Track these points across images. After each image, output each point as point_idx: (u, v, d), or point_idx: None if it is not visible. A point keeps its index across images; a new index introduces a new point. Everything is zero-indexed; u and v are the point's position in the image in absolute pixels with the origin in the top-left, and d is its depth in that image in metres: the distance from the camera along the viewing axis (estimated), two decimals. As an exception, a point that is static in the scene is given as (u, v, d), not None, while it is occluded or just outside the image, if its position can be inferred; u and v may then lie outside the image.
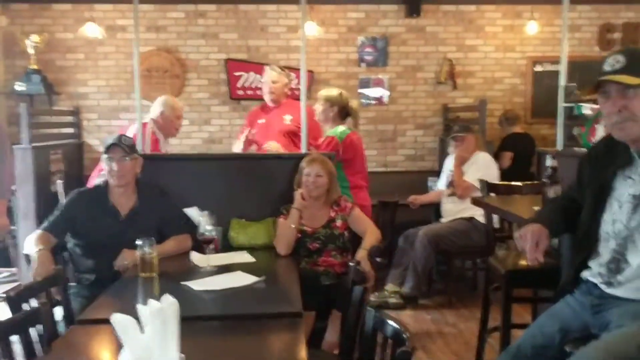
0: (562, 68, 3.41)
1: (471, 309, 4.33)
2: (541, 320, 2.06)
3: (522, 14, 6.07)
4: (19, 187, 4.74)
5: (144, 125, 4.01)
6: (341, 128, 3.94)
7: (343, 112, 3.98)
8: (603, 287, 1.90)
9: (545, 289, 2.80)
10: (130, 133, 3.88)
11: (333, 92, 4.04)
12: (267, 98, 4.27)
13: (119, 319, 1.40)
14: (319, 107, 3.98)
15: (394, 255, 4.64)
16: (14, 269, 5.06)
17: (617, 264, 1.87)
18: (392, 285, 4.47)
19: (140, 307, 1.42)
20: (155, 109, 4.29)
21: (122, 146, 2.91)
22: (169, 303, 1.42)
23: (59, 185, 4.93)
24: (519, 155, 5.57)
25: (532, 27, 5.94)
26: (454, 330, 4.04)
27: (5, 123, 5.81)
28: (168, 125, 4.27)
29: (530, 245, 1.92)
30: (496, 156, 5.67)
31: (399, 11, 6.06)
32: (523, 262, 2.89)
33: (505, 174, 5.09)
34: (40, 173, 4.84)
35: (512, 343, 2.13)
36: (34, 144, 4.82)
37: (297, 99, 3.96)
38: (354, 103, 4.09)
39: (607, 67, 1.83)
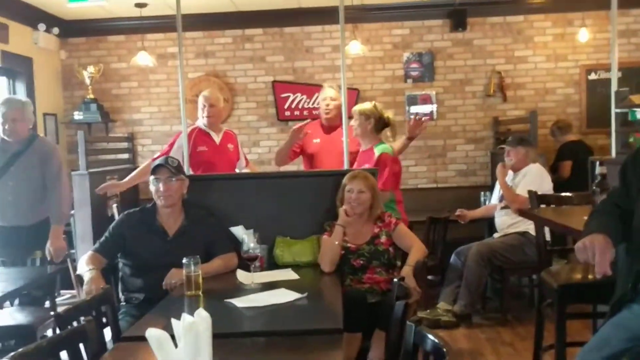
0: (614, 73, 3.29)
1: (528, 327, 4.16)
2: (605, 331, 1.95)
3: (572, 22, 5.92)
4: (77, 211, 4.95)
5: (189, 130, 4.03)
6: (386, 145, 3.84)
7: (380, 123, 3.83)
8: None
9: (602, 303, 2.66)
10: (176, 146, 4.01)
11: (366, 105, 3.90)
12: (324, 117, 4.14)
13: (153, 334, 1.42)
14: (354, 123, 3.83)
15: (446, 272, 4.53)
16: (74, 291, 5.24)
17: None
18: (444, 304, 4.35)
19: (174, 322, 1.43)
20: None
21: (168, 167, 2.98)
22: (202, 317, 1.42)
23: (114, 209, 5.11)
24: (578, 163, 5.36)
25: (583, 35, 5.77)
26: (510, 350, 3.89)
27: (66, 151, 6.09)
28: (205, 115, 4.11)
29: (598, 257, 1.81)
30: (554, 166, 5.50)
31: (444, 26, 6.02)
32: (578, 276, 2.76)
33: (565, 184, 4.92)
34: (96, 198, 5.02)
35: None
36: (90, 170, 5.02)
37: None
38: (389, 113, 3.94)
39: None
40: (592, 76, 5.95)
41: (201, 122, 4.17)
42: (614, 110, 3.23)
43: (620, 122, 3.25)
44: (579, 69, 5.99)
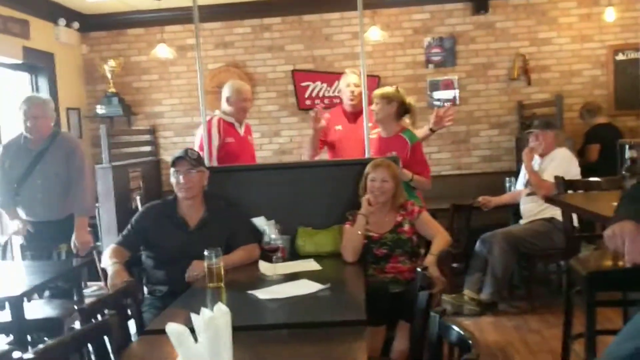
0: (643, 53, 3.16)
1: (556, 315, 4.07)
2: (638, 321, 1.88)
3: (598, 1, 5.76)
4: (102, 204, 5.00)
5: (209, 121, 3.91)
6: (412, 131, 3.76)
7: (402, 108, 3.73)
8: None
9: (632, 290, 2.58)
10: (197, 139, 3.96)
11: (388, 89, 3.82)
12: (347, 104, 4.07)
13: (173, 329, 1.41)
14: (375, 107, 3.72)
15: (471, 260, 4.47)
16: (101, 283, 5.31)
17: None
18: (469, 292, 4.30)
19: (193, 317, 1.42)
20: (223, 96, 4.12)
21: (188, 159, 2.97)
22: (222, 312, 1.41)
23: (137, 201, 5.15)
24: (606, 147, 5.24)
25: (610, 14, 5.60)
26: (537, 338, 3.83)
27: (89, 145, 6.15)
28: (236, 109, 4.06)
29: (628, 245, 1.75)
30: (582, 150, 5.38)
31: (465, 9, 5.90)
32: (607, 263, 2.69)
33: (593, 168, 4.81)
34: (120, 190, 5.08)
35: (602, 350, 1.96)
36: (113, 163, 5.06)
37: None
38: (411, 99, 3.85)
39: None
40: (620, 57, 5.79)
41: (225, 112, 4.06)
42: (643, 91, 3.12)
43: (651, 103, 3.14)
44: (605, 50, 5.83)
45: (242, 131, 4.12)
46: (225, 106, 4.08)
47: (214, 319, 1.36)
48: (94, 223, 4.96)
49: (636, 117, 5.45)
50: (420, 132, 3.96)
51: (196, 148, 3.84)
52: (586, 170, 4.69)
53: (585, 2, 5.81)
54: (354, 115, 4.06)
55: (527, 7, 5.87)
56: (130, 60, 6.18)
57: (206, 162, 3.47)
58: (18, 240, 3.93)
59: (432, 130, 3.98)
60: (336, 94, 5.27)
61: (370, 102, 3.67)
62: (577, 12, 5.84)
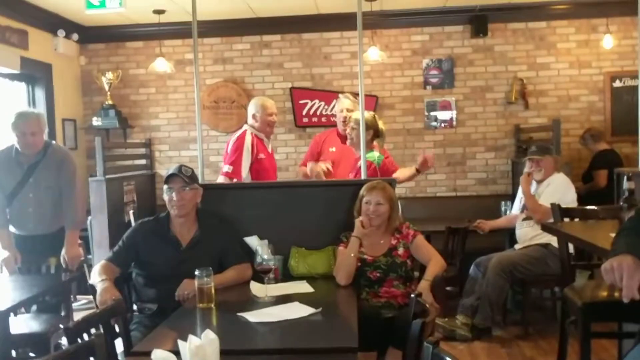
0: (641, 82, 3.17)
1: (550, 342, 4.04)
2: (635, 355, 1.85)
3: (597, 28, 5.79)
4: (94, 217, 4.94)
5: (243, 134, 4.08)
6: (376, 153, 3.91)
7: (375, 134, 3.94)
8: None
9: (628, 321, 2.55)
10: (232, 148, 4.02)
11: (365, 114, 3.88)
12: (341, 127, 4.24)
13: (159, 356, 1.37)
14: (352, 132, 3.89)
15: (465, 284, 4.43)
16: (91, 297, 5.24)
17: None
18: (463, 317, 4.25)
19: (180, 344, 1.38)
20: (249, 112, 4.23)
21: (181, 176, 2.93)
22: (210, 340, 1.37)
23: (131, 215, 5.10)
24: (613, 172, 5.22)
25: (608, 41, 5.64)
26: (531, 365, 3.79)
27: (85, 156, 6.12)
28: (263, 125, 4.16)
29: (626, 281, 1.72)
30: (587, 175, 5.37)
31: (465, 32, 5.93)
32: (603, 293, 2.66)
33: (601, 193, 4.79)
34: (113, 203, 5.03)
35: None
36: (107, 176, 5.01)
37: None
38: (382, 124, 4.06)
39: None
40: (617, 83, 5.82)
41: (253, 127, 4.14)
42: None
43: (648, 132, 3.14)
44: (603, 76, 5.86)
45: (269, 147, 4.24)
46: (252, 122, 4.16)
47: (202, 347, 1.32)
48: (85, 236, 4.91)
49: (632, 144, 5.44)
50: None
51: (228, 157, 3.99)
52: (594, 194, 4.68)
53: (584, 29, 5.85)
54: (346, 138, 4.12)
55: (526, 31, 5.91)
56: (128, 73, 6.17)
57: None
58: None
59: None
60: (334, 112, 5.29)
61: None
62: (576, 38, 5.87)
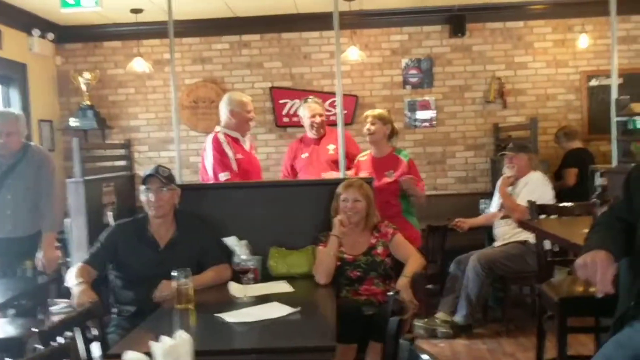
0: (614, 81, 3.23)
1: (530, 338, 4.07)
2: (608, 350, 1.88)
3: (573, 28, 5.85)
4: (72, 219, 4.87)
5: (215, 138, 3.83)
6: (403, 150, 3.98)
7: (392, 131, 3.93)
8: None
9: (604, 316, 2.58)
10: (208, 157, 3.83)
11: (381, 111, 4.00)
12: (310, 132, 4.22)
13: (130, 357, 1.35)
14: (371, 127, 3.83)
15: (445, 281, 4.45)
16: (69, 300, 5.17)
17: None
18: (443, 314, 4.28)
19: (152, 345, 1.37)
20: (223, 110, 3.95)
21: (158, 177, 2.91)
22: (183, 340, 1.36)
23: (109, 217, 5.04)
24: (583, 171, 5.28)
25: (584, 41, 5.71)
26: (511, 361, 3.82)
27: (62, 158, 6.04)
28: (242, 122, 3.91)
29: (600, 276, 1.74)
30: (559, 174, 5.43)
31: (443, 31, 5.96)
32: (579, 289, 2.70)
33: (570, 192, 4.85)
34: (92, 205, 4.95)
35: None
36: (86, 177, 4.94)
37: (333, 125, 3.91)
38: (399, 124, 4.12)
39: None
40: (593, 82, 5.89)
41: (228, 127, 3.90)
42: (614, 118, 3.16)
43: (622, 130, 3.18)
44: (579, 75, 5.93)
45: (247, 146, 4.01)
46: (227, 120, 3.91)
47: (174, 348, 1.31)
48: (63, 238, 4.84)
49: (608, 142, 5.49)
50: None
51: (208, 166, 3.79)
52: (564, 193, 4.72)
53: (560, 29, 5.91)
54: (318, 140, 4.19)
55: (504, 31, 5.95)
56: (106, 73, 6.10)
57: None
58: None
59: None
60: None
61: (346, 122, 3.70)
62: (552, 38, 5.94)
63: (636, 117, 3.02)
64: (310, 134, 4.23)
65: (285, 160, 4.49)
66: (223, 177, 3.72)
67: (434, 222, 4.66)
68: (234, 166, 3.75)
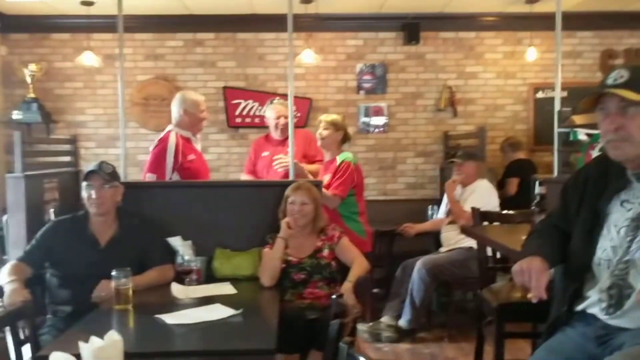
0: (557, 93, 3.33)
1: (471, 342, 4.10)
2: (539, 355, 1.92)
3: (522, 41, 6.02)
4: (10, 215, 4.69)
5: (166, 137, 3.74)
6: (350, 154, 3.97)
7: (345, 137, 4.00)
8: (605, 317, 1.78)
9: (540, 322, 2.65)
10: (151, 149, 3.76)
11: (335, 116, 4.05)
12: (275, 132, 4.21)
13: (57, 358, 1.30)
14: (323, 132, 3.93)
15: (391, 286, 4.49)
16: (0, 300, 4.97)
17: (619, 290, 1.75)
18: (388, 318, 4.31)
19: (81, 345, 1.32)
20: (176, 109, 3.85)
21: (101, 174, 2.84)
22: (113, 341, 1.31)
23: (51, 214, 4.87)
24: (524, 181, 5.44)
25: (532, 54, 5.87)
26: (452, 365, 3.88)
27: (3, 152, 5.81)
28: (195, 122, 3.85)
29: (534, 282, 1.79)
30: (502, 183, 5.57)
31: (398, 38, 6.03)
32: (518, 295, 2.76)
33: (512, 201, 4.97)
34: (32, 202, 4.77)
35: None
36: (26, 173, 4.77)
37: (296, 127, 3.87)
38: (353, 129, 4.15)
39: (609, 81, 1.73)
40: (540, 94, 6.07)
41: (180, 126, 3.80)
42: (556, 129, 3.26)
43: (563, 141, 3.29)
44: (527, 87, 6.10)
45: (199, 146, 3.96)
46: (180, 119, 3.81)
47: (103, 349, 1.26)
48: (0, 235, 4.66)
49: (552, 153, 5.65)
50: None
51: (150, 165, 3.70)
52: (506, 202, 4.84)
53: (510, 41, 6.07)
54: (282, 140, 4.16)
55: (456, 40, 6.07)
56: (53, 65, 5.91)
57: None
58: None
59: None
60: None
61: (299, 124, 3.71)
62: (502, 50, 6.09)
63: (576, 129, 3.13)
64: (275, 135, 4.23)
65: (250, 154, 4.47)
66: (149, 177, 3.66)
67: (383, 227, 4.70)
68: (169, 170, 3.64)
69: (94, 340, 1.31)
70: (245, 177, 4.39)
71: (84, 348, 1.31)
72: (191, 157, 3.78)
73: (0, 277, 2.70)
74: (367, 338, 4.21)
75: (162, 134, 3.86)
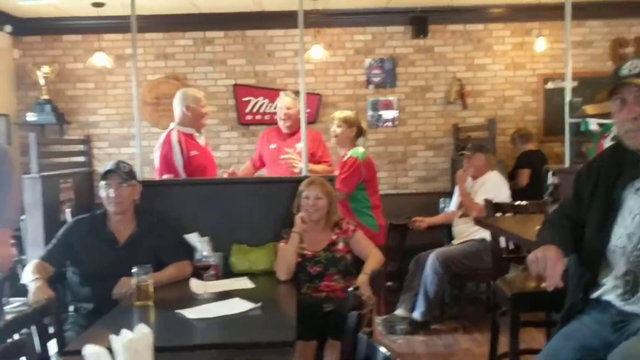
0: (567, 84, 3.33)
1: (485, 334, 4.16)
2: (555, 343, 1.96)
3: (530, 31, 6.01)
4: (28, 216, 4.77)
5: (167, 137, 3.79)
6: (361, 149, 4.00)
7: (359, 132, 4.04)
8: (620, 304, 1.80)
9: (555, 311, 2.68)
10: (157, 158, 3.80)
11: (348, 113, 4.10)
12: (281, 125, 4.23)
13: (91, 351, 1.35)
14: (336, 130, 4.01)
15: (404, 279, 4.53)
16: (25, 298, 5.05)
17: (635, 277, 1.78)
18: (402, 311, 4.35)
19: (112, 338, 1.37)
20: (178, 106, 3.89)
21: (119, 173, 2.89)
22: (143, 334, 1.36)
23: (67, 214, 4.95)
24: (535, 172, 5.46)
25: (541, 44, 5.87)
26: (467, 356, 3.91)
27: (19, 153, 5.89)
28: (198, 117, 3.88)
29: (550, 270, 1.82)
30: (513, 174, 5.58)
31: (406, 32, 6.04)
32: (531, 284, 2.78)
33: (523, 192, 4.98)
34: (49, 202, 4.85)
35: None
36: (42, 173, 4.84)
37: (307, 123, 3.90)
38: (363, 123, 4.19)
39: (624, 72, 1.75)
40: (549, 85, 6.06)
41: (182, 124, 3.85)
42: (567, 120, 3.28)
43: (574, 132, 3.30)
44: (536, 78, 6.10)
45: (202, 141, 3.97)
46: (182, 116, 3.85)
47: (134, 341, 1.31)
48: (18, 235, 4.73)
49: (562, 144, 5.67)
50: None
51: (157, 166, 3.75)
52: (517, 193, 4.86)
53: (518, 32, 6.07)
54: (290, 134, 4.19)
55: (464, 33, 6.08)
56: (65, 67, 5.98)
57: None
58: None
59: None
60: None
61: (309, 120, 3.74)
62: (511, 41, 6.09)
63: (588, 119, 3.14)
64: (281, 126, 4.25)
65: (257, 143, 4.53)
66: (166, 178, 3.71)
67: (395, 220, 4.73)
68: (180, 168, 3.70)
69: (125, 332, 1.36)
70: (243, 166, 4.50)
71: (116, 340, 1.35)
72: (193, 152, 3.82)
73: (24, 276, 2.77)
74: (381, 331, 4.25)
75: (162, 136, 3.89)
